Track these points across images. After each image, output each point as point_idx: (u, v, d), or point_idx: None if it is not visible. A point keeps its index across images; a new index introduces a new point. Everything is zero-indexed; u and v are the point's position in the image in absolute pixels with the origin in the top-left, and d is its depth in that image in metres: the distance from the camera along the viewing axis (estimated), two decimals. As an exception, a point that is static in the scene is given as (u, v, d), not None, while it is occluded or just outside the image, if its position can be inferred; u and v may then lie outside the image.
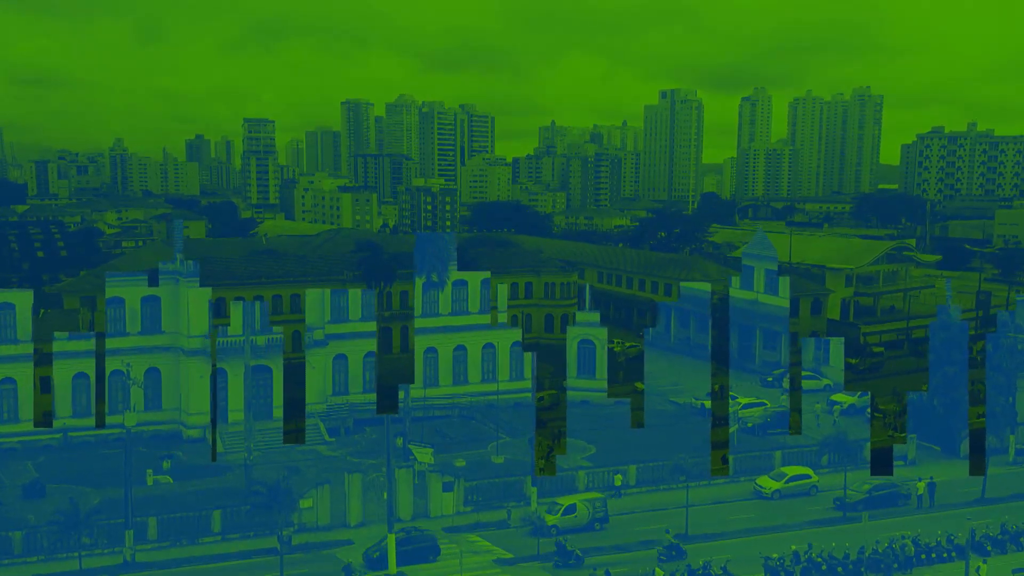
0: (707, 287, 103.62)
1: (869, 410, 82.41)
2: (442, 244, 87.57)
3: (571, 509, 59.28)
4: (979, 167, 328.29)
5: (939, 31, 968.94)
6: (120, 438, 64.23)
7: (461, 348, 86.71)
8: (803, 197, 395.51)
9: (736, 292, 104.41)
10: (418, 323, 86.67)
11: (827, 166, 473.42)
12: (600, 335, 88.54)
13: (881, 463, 68.21)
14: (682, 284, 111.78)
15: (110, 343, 75.33)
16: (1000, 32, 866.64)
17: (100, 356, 75.42)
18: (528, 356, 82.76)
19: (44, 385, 75.50)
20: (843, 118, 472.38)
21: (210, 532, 57.83)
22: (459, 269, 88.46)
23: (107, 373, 75.07)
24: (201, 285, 77.26)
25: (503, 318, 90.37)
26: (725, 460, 68.65)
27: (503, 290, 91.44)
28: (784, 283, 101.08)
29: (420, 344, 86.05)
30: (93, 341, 76.32)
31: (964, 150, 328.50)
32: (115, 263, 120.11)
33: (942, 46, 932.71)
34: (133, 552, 54.60)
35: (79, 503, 55.51)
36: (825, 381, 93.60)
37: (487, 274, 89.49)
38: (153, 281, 77.91)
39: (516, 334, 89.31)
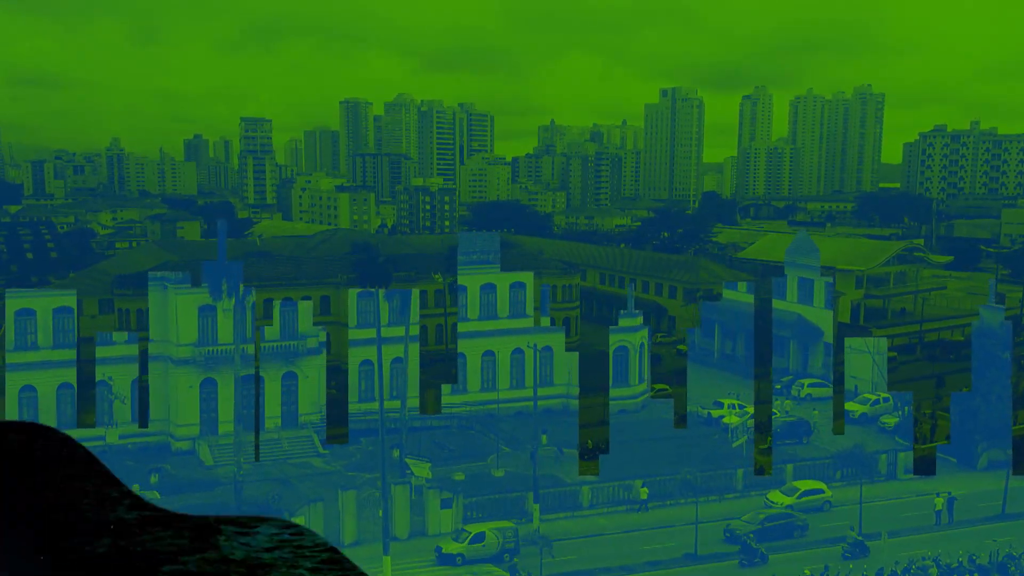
0: (750, 298, 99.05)
1: (904, 410, 78.62)
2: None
3: (479, 538, 56.12)
4: (982, 166, 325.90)
5: (939, 30, 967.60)
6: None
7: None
8: (804, 196, 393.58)
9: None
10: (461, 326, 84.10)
11: (828, 165, 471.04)
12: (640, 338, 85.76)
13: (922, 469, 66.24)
14: (723, 292, 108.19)
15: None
16: (1001, 31, 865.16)
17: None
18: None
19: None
20: (844, 116, 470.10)
21: (197, 553, 55.18)
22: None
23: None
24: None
25: (546, 322, 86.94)
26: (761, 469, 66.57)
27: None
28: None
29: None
30: (137, 347, 73.26)
31: (967, 148, 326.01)
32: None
33: (943, 45, 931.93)
34: None
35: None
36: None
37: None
38: (196, 283, 74.21)
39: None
